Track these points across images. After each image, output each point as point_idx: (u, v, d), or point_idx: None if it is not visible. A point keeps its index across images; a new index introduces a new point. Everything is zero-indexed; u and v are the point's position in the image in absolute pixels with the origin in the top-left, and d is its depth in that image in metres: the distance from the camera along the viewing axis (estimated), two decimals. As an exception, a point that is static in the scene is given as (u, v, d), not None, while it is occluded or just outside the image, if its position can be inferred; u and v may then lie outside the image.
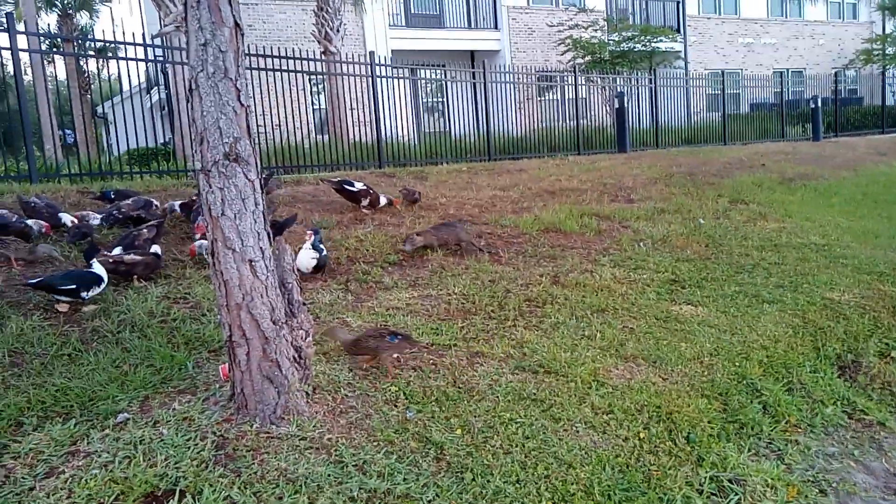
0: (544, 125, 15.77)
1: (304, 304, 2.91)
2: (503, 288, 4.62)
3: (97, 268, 3.93)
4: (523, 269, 5.13)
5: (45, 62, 17.75)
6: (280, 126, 10.93)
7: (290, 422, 2.71)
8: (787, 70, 26.02)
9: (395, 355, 3.41)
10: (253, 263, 2.65)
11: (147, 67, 9.52)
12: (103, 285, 3.90)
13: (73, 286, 3.77)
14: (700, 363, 3.78)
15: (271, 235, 2.75)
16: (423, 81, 17.88)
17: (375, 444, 2.68)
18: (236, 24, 2.61)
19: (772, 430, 3.42)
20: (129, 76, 9.21)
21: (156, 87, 17.22)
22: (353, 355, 3.36)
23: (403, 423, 2.84)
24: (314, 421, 2.75)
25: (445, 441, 2.74)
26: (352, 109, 12.23)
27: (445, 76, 15.42)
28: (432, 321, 3.99)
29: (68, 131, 10.13)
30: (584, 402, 3.19)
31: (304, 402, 2.81)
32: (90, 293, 3.83)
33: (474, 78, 14.43)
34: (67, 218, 5.07)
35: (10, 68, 8.09)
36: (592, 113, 16.64)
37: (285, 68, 10.77)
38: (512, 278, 4.86)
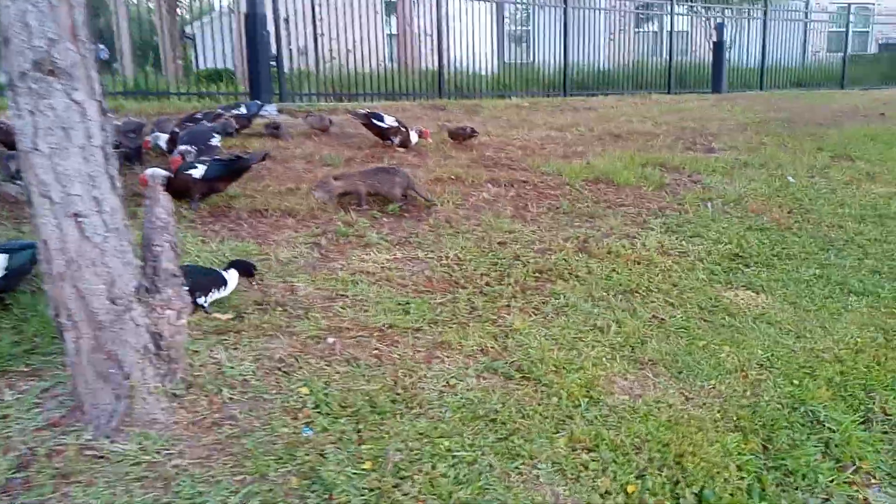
0: (637, 59, 14.39)
1: (177, 275, 2.16)
2: (512, 253, 3.75)
3: None
4: (547, 231, 4.21)
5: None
6: (351, 52, 10.28)
7: (131, 435, 2.01)
8: (931, 5, 22.74)
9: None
10: (80, 219, 1.91)
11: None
12: None
13: None
14: (744, 377, 2.82)
15: (116, 181, 1.99)
16: (510, 7, 16.55)
17: (239, 478, 1.94)
18: None
19: (831, 481, 2.48)
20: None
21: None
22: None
23: (294, 445, 2.09)
24: (167, 436, 2.03)
25: (341, 481, 1.96)
26: (427, 35, 11.42)
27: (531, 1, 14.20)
28: (403, 294, 3.18)
29: (102, 47, 9.70)
30: (561, 428, 2.33)
31: (162, 408, 2.10)
32: None
33: (565, 3, 13.10)
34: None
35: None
36: (691, 48, 15.03)
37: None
38: (528, 241, 3.97)
